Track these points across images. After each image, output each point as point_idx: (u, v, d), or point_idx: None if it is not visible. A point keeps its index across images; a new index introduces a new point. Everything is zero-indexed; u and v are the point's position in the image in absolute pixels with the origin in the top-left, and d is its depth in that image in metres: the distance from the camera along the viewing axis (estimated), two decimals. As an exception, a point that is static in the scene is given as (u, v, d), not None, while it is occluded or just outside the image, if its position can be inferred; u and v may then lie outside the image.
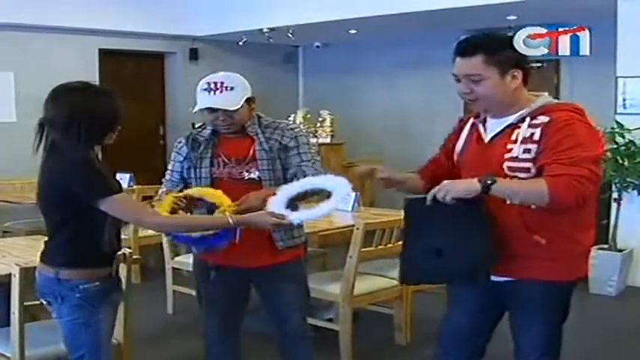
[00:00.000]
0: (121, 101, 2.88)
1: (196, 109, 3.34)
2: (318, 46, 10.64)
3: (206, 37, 9.70)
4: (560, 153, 2.57)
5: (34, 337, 3.36)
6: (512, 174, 2.69)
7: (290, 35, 9.11)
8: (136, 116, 9.84)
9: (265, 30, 8.95)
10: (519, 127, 2.72)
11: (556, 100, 2.84)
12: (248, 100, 3.34)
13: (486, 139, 2.85)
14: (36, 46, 8.43)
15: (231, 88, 3.27)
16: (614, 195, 6.25)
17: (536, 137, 2.67)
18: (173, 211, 3.07)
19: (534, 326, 2.86)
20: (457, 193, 2.60)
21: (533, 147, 2.66)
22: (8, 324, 3.33)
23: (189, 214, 3.12)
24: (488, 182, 2.56)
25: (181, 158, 3.46)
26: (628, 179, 6.10)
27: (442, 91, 9.61)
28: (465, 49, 2.76)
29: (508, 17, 7.65)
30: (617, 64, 6.46)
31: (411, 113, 9.91)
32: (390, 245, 4.66)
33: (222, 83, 3.26)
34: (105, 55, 9.16)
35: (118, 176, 7.44)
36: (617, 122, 6.19)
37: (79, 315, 2.85)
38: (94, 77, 8.81)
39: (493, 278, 2.79)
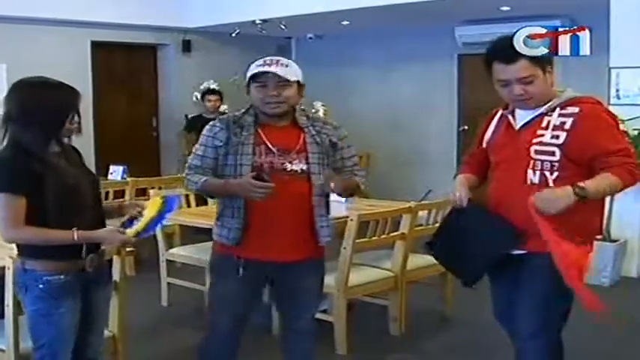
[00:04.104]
0: (73, 93, 2.91)
1: (249, 74, 3.26)
2: (311, 38, 10.63)
3: (198, 29, 9.68)
4: (610, 146, 2.90)
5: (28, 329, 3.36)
6: (537, 156, 2.97)
7: (282, 27, 9.10)
8: (129, 108, 9.86)
9: (258, 21, 8.94)
10: (550, 116, 2.99)
11: (579, 93, 3.07)
12: (299, 85, 3.30)
13: (517, 127, 3.08)
14: (28, 38, 8.40)
15: (286, 65, 3.25)
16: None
17: (567, 126, 2.94)
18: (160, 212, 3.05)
19: (533, 296, 3.04)
20: (558, 209, 2.81)
21: (563, 134, 2.94)
22: (2, 317, 3.33)
23: None
24: (583, 195, 2.80)
25: (219, 143, 3.28)
26: (622, 170, 6.12)
27: (436, 83, 9.67)
28: (508, 55, 2.95)
29: (501, 8, 7.66)
30: (610, 55, 6.47)
31: (405, 106, 9.91)
32: (384, 236, 4.67)
33: (278, 60, 3.26)
34: (97, 47, 9.14)
35: (112, 168, 7.58)
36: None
37: (41, 306, 2.88)
38: (85, 69, 8.83)
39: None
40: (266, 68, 3.22)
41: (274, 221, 3.25)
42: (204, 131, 3.37)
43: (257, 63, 3.27)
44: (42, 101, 2.84)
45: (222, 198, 3.33)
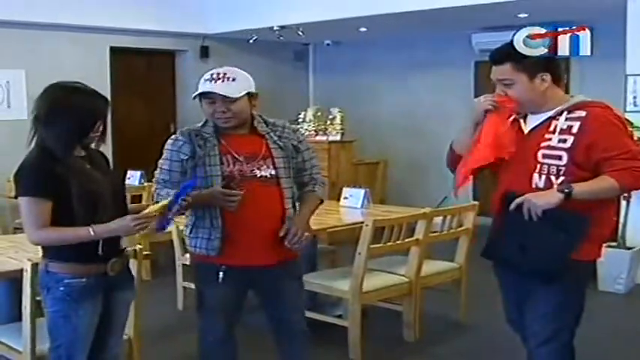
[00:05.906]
0: (103, 102, 2.96)
1: (194, 94, 3.35)
2: (328, 44, 10.64)
3: (217, 35, 9.72)
4: (615, 148, 2.88)
5: (45, 331, 3.39)
6: (544, 160, 2.97)
7: (300, 33, 9.12)
8: (147, 114, 9.91)
9: (276, 28, 8.97)
10: (557, 120, 3.00)
11: (589, 99, 3.07)
12: (249, 96, 3.35)
13: (526, 131, 3.10)
14: (47, 44, 8.49)
15: (233, 79, 3.30)
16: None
17: (574, 130, 2.94)
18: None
19: (545, 305, 3.04)
20: (542, 207, 2.83)
21: (570, 138, 2.94)
22: (20, 319, 3.38)
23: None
24: (567, 191, 2.82)
25: (184, 156, 3.36)
26: (638, 177, 6.08)
27: (452, 89, 9.66)
28: (496, 57, 3.09)
29: (519, 15, 7.65)
30: (627, 62, 6.46)
31: (421, 112, 9.91)
32: (399, 242, 4.68)
33: (224, 74, 3.30)
34: (116, 53, 9.21)
35: (129, 174, 7.62)
36: (628, 120, 6.17)
37: (61, 308, 2.93)
38: (104, 75, 8.88)
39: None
40: (210, 87, 3.28)
41: (251, 227, 3.32)
42: (168, 145, 3.47)
43: (205, 78, 3.34)
44: (69, 105, 2.88)
45: (194, 209, 3.36)
